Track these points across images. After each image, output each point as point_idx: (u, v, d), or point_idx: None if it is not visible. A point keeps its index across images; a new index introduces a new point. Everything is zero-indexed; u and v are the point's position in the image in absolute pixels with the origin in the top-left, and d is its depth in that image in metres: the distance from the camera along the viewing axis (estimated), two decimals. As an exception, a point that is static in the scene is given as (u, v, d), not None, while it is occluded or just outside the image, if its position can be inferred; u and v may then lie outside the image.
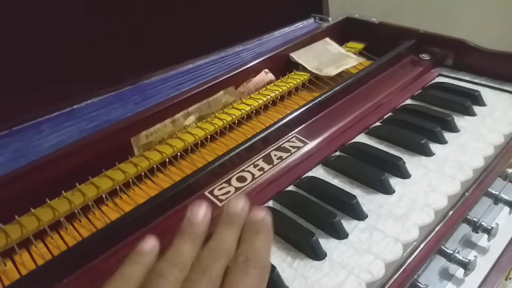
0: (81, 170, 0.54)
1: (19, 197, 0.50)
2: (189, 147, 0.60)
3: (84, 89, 0.66)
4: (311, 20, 0.88)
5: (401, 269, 0.44)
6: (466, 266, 0.49)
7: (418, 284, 0.45)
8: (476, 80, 0.71)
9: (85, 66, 0.70)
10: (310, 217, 0.47)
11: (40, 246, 0.48)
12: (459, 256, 0.49)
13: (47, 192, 0.51)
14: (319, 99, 0.62)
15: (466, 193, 0.52)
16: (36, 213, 0.49)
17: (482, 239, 0.57)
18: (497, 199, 0.56)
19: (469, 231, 0.54)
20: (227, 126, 0.64)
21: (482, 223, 0.52)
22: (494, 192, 0.56)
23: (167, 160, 0.58)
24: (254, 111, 0.67)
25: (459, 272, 0.52)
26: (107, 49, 0.72)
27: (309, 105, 0.61)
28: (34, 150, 0.56)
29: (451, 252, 0.49)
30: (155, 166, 0.57)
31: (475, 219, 0.52)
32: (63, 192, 0.51)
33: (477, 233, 0.53)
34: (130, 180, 0.55)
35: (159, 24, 0.76)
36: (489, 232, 0.52)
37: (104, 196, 0.52)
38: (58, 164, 0.53)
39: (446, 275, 0.53)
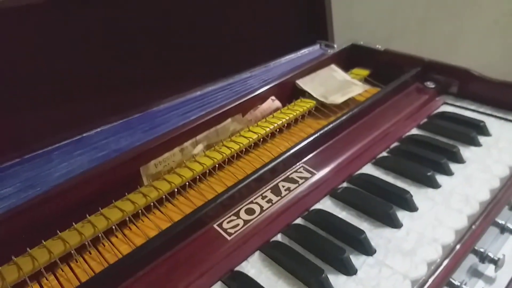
0: (90, 200, 0.54)
1: (29, 228, 0.51)
2: (197, 176, 0.61)
3: (94, 116, 0.67)
4: (316, 47, 0.89)
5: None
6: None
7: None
8: (481, 109, 0.72)
9: (95, 93, 0.71)
10: (319, 253, 0.48)
11: (51, 279, 0.48)
12: (466, 288, 0.49)
13: (57, 223, 0.51)
14: (326, 128, 0.63)
15: (473, 226, 0.53)
16: (47, 245, 0.49)
17: (489, 269, 0.57)
18: (503, 229, 0.56)
19: (476, 261, 0.54)
20: (235, 155, 0.65)
21: (489, 254, 0.52)
22: (500, 222, 0.56)
23: (176, 190, 0.58)
24: (261, 139, 0.68)
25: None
26: (116, 76, 0.73)
27: (316, 135, 0.62)
28: (45, 179, 0.57)
29: (459, 284, 0.49)
30: (164, 196, 0.57)
31: (481, 250, 0.52)
32: (73, 223, 0.52)
33: (484, 263, 0.53)
34: (140, 211, 0.55)
35: (167, 51, 0.77)
36: (495, 263, 0.52)
37: (114, 227, 0.53)
38: (68, 194, 0.54)
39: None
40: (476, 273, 0.57)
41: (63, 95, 0.69)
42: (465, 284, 0.49)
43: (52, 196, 0.52)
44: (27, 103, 0.67)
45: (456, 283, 0.49)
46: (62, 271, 0.49)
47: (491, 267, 0.56)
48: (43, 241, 0.50)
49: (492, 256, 0.52)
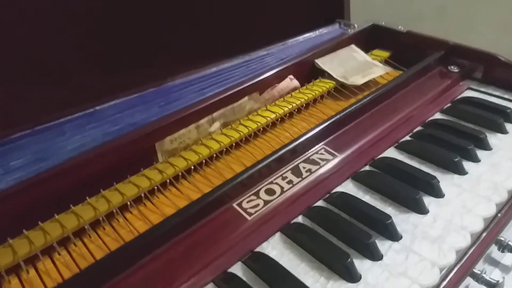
0: (105, 175, 0.52)
1: (41, 202, 0.49)
2: (214, 155, 0.59)
3: (107, 90, 0.64)
4: (336, 26, 0.86)
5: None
6: (494, 287, 0.48)
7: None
8: (506, 96, 0.69)
9: (108, 66, 0.69)
10: (343, 236, 0.46)
11: (64, 254, 0.47)
12: (487, 277, 0.48)
13: (70, 197, 0.50)
14: (349, 109, 0.61)
15: (499, 214, 0.51)
16: (60, 219, 0.47)
17: (505, 258, 0.56)
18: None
19: (495, 250, 0.52)
20: (252, 134, 0.63)
21: (509, 242, 0.51)
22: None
23: (192, 167, 0.56)
24: (279, 119, 0.66)
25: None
26: (130, 50, 0.71)
27: (338, 116, 0.60)
28: (57, 152, 0.55)
29: (479, 272, 0.48)
30: (180, 173, 0.55)
31: (502, 239, 0.51)
32: (87, 198, 0.50)
33: (503, 252, 0.52)
34: (155, 187, 0.53)
35: (184, 26, 0.75)
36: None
37: (129, 203, 0.51)
38: (82, 168, 0.52)
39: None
40: (493, 262, 0.56)
41: (75, 68, 0.67)
42: (484, 273, 0.48)
43: (65, 169, 0.50)
44: (39, 75, 0.65)
45: (477, 271, 0.48)
46: (75, 246, 0.47)
47: (508, 256, 0.54)
48: (55, 215, 0.48)
49: (512, 245, 0.50)
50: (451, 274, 0.45)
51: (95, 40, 0.67)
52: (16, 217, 0.47)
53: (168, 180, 0.54)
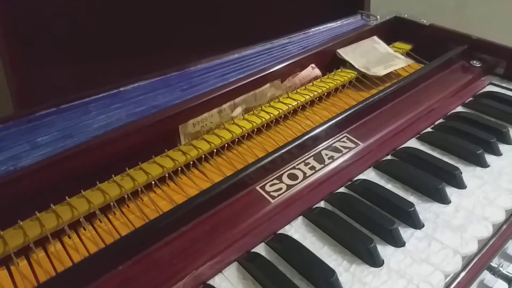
0: (129, 154, 0.53)
1: (68, 178, 0.50)
2: (236, 139, 0.59)
3: (131, 72, 0.65)
4: (358, 17, 0.86)
5: (456, 282, 0.43)
6: (511, 281, 0.48)
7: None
8: (528, 93, 0.69)
9: (133, 48, 0.70)
10: (366, 222, 0.46)
11: (90, 229, 0.47)
12: (504, 271, 0.48)
13: (96, 175, 0.50)
14: (372, 99, 0.61)
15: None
16: (86, 195, 0.48)
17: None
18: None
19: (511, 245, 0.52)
20: (273, 120, 0.63)
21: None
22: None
23: (214, 151, 0.57)
24: (300, 107, 0.66)
25: (502, 286, 0.51)
26: (154, 34, 0.71)
27: (361, 105, 0.60)
28: (83, 130, 0.55)
29: (496, 265, 0.48)
30: (203, 156, 0.56)
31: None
32: (113, 176, 0.51)
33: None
34: (179, 168, 0.54)
35: (206, 12, 0.75)
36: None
37: (153, 182, 0.52)
38: (108, 146, 0.53)
39: (484, 288, 0.52)
40: (508, 258, 0.56)
41: (101, 50, 0.67)
42: (501, 266, 0.48)
43: (93, 146, 0.51)
44: (65, 56, 0.66)
45: (494, 265, 0.48)
46: (101, 222, 0.48)
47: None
48: (82, 191, 0.49)
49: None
50: (472, 264, 0.45)
51: (121, 23, 0.67)
52: (44, 192, 0.48)
53: (191, 162, 0.55)
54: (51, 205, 0.47)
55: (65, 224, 0.46)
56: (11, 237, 0.43)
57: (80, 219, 0.47)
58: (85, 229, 0.47)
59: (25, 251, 0.44)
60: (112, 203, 0.49)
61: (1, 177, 0.47)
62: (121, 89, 0.63)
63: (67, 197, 0.48)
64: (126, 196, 0.50)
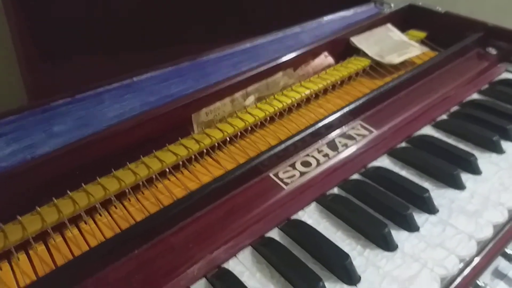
0: (143, 142, 0.54)
1: (85, 165, 0.50)
2: (249, 128, 0.60)
3: (144, 62, 0.65)
4: (371, 5, 0.85)
5: (470, 267, 0.43)
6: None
7: (477, 282, 0.44)
8: (544, 79, 0.68)
9: (146, 39, 0.70)
10: (380, 208, 0.46)
11: (105, 215, 0.48)
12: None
13: (112, 162, 0.51)
14: (386, 86, 0.61)
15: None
16: (102, 182, 0.49)
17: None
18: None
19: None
20: (286, 109, 0.63)
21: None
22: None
23: (227, 139, 0.57)
24: (313, 95, 0.66)
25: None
26: (167, 24, 0.72)
27: (375, 92, 0.60)
28: (98, 119, 0.56)
29: (510, 252, 0.48)
30: (216, 144, 0.56)
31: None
32: (127, 163, 0.51)
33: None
34: (192, 156, 0.54)
35: (219, 1, 0.75)
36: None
37: (167, 169, 0.52)
38: (123, 135, 0.53)
39: (499, 274, 0.51)
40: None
41: (114, 41, 0.68)
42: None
43: (108, 134, 0.52)
44: (79, 48, 0.67)
45: (509, 251, 0.48)
46: (116, 208, 0.49)
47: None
48: (97, 177, 0.49)
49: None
50: (486, 249, 0.44)
51: (134, 14, 0.68)
52: (61, 179, 0.49)
53: (204, 150, 0.55)
54: (68, 191, 0.48)
55: (82, 210, 0.47)
56: (29, 223, 0.44)
57: (96, 205, 0.48)
58: (101, 215, 0.48)
59: (43, 236, 0.45)
60: (127, 190, 0.49)
61: (19, 165, 0.48)
62: (135, 79, 0.64)
63: (83, 184, 0.49)
64: (141, 183, 0.50)
